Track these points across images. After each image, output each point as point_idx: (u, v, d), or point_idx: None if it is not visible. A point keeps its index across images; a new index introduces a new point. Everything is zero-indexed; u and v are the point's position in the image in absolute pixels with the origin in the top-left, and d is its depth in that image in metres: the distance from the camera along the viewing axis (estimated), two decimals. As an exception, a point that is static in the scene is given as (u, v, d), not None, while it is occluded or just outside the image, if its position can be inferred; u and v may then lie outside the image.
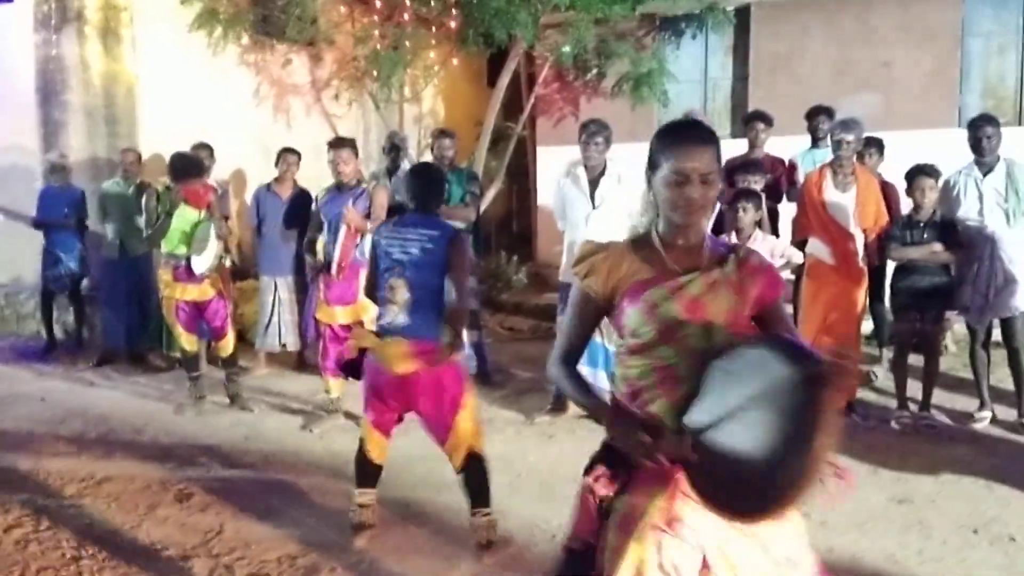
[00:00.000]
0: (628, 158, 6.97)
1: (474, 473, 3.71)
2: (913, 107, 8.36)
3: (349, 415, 5.62)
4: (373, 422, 3.80)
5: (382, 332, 3.70)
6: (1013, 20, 8.30)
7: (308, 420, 5.56)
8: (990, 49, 8.49)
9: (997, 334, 5.45)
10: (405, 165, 7.27)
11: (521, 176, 11.15)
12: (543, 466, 4.76)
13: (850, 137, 5.35)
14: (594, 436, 5.50)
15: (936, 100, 8.44)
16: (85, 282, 7.67)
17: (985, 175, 5.22)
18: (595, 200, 5.40)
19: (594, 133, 5.37)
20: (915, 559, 3.60)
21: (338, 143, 5.56)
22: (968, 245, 5.26)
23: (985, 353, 5.41)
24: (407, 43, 9.34)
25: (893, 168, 5.99)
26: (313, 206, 5.75)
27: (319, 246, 5.59)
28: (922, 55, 8.49)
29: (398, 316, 3.66)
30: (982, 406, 5.38)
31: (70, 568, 3.57)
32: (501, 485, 4.48)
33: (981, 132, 5.18)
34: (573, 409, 5.48)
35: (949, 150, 6.34)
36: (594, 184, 5.41)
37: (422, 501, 4.28)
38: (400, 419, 3.86)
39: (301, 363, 7.05)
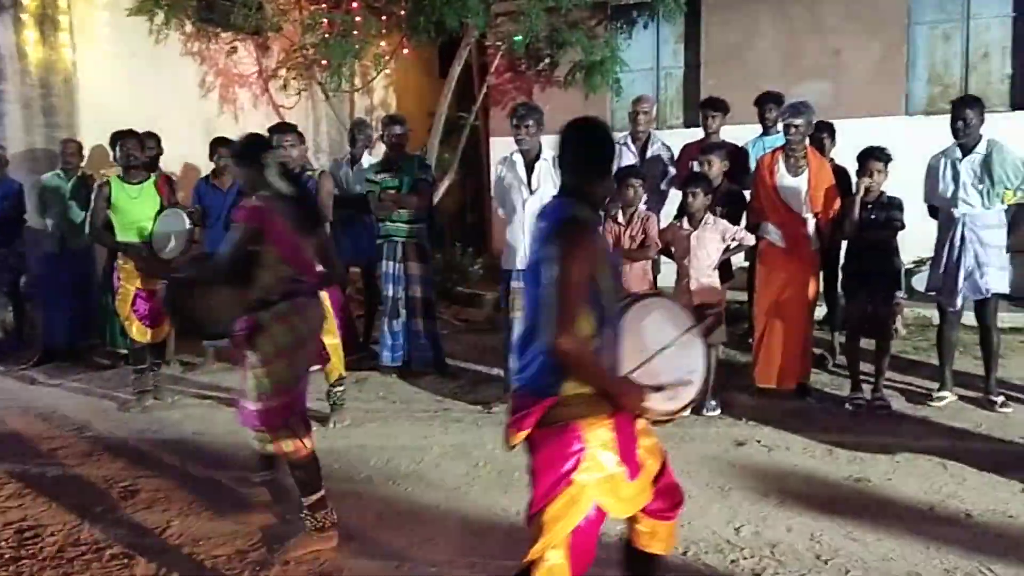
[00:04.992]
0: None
1: None
2: (862, 94, 8.44)
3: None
4: None
5: None
6: (957, 8, 8.42)
7: (259, 414, 5.41)
8: (935, 37, 8.61)
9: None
10: (367, 156, 7.14)
11: (475, 167, 11.06)
12: (501, 454, 4.69)
13: (799, 121, 5.37)
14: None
15: (884, 87, 8.54)
16: (24, 278, 7.41)
17: (964, 157, 5.22)
18: (532, 184, 5.36)
19: (524, 116, 5.34)
20: (872, 536, 3.61)
21: (280, 128, 5.45)
22: (942, 226, 5.34)
23: (953, 336, 5.46)
24: (356, 31, 9.18)
25: (843, 154, 6.04)
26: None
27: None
28: (870, 43, 8.58)
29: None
30: (942, 387, 5.43)
31: (9, 568, 3.42)
32: (459, 474, 4.45)
33: (960, 114, 5.18)
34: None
35: (897, 136, 6.43)
36: (530, 169, 5.38)
37: (376, 492, 4.19)
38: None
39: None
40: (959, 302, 5.32)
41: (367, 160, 7.11)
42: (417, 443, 4.93)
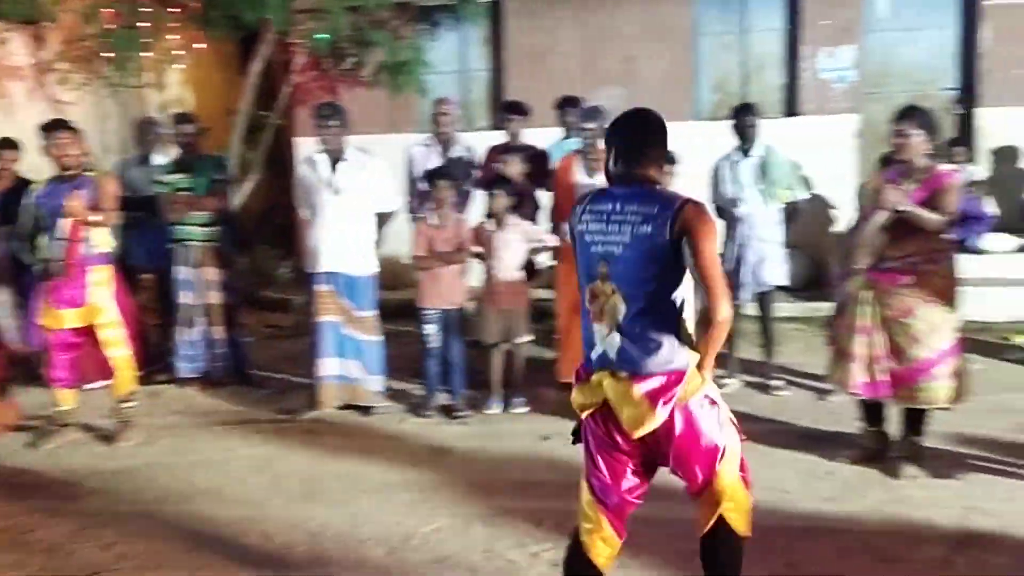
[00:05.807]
0: (389, 147, 6.92)
1: (720, 546, 2.72)
2: (654, 101, 8.61)
3: (88, 428, 5.12)
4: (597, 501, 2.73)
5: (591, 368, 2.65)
6: (736, 20, 9.07)
7: (36, 436, 4.98)
8: (718, 47, 9.23)
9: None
10: (156, 156, 6.70)
11: (281, 167, 10.70)
12: (305, 464, 4.56)
13: (592, 125, 5.58)
14: (360, 429, 5.37)
15: (673, 95, 9.02)
16: None
17: (744, 159, 5.64)
18: (335, 185, 5.27)
19: (328, 116, 5.27)
20: (665, 517, 3.78)
21: (53, 125, 5.03)
22: (727, 225, 5.72)
23: (738, 326, 5.79)
24: (148, 23, 8.61)
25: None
26: (24, 199, 5.13)
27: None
28: (661, 52, 9.06)
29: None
30: (728, 374, 5.80)
31: None
32: (261, 485, 4.30)
33: (743, 121, 5.63)
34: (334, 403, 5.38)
35: (685, 141, 6.82)
36: (334, 169, 5.30)
37: (167, 513, 3.95)
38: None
39: (27, 374, 6.30)
40: (743, 295, 5.74)
41: (160, 159, 6.69)
42: (216, 457, 4.70)
